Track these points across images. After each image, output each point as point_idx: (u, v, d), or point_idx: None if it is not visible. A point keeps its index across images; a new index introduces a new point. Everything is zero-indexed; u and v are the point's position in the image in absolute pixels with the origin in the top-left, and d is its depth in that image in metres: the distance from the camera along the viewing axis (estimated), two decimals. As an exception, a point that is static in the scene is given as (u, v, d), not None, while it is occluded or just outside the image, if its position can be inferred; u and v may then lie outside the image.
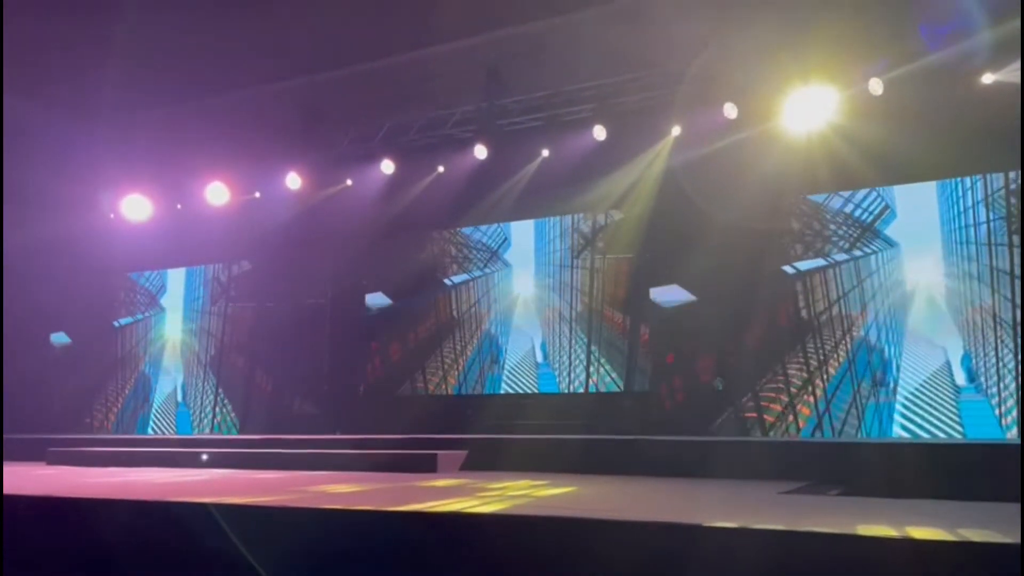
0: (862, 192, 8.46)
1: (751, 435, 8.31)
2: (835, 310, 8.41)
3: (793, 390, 8.37)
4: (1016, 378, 7.38)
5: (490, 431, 8.51)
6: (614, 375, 9.58)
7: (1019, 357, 7.47)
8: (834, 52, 7.68)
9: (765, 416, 8.42)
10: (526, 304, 10.30)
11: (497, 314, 10.45)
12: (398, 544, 3.78)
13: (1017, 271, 7.53)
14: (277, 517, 4.11)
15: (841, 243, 8.54)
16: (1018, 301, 7.50)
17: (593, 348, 9.70)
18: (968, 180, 7.94)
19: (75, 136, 10.35)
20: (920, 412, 7.89)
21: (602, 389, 9.58)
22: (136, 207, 11.48)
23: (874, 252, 8.37)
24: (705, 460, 6.71)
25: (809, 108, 8.01)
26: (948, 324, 7.91)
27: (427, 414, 9.69)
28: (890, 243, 8.29)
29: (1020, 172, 7.59)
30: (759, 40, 7.95)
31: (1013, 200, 7.68)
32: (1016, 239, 7.60)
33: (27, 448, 9.53)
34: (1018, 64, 7.04)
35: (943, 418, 7.77)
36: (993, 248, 7.79)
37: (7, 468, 7.64)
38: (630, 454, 7.16)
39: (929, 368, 7.93)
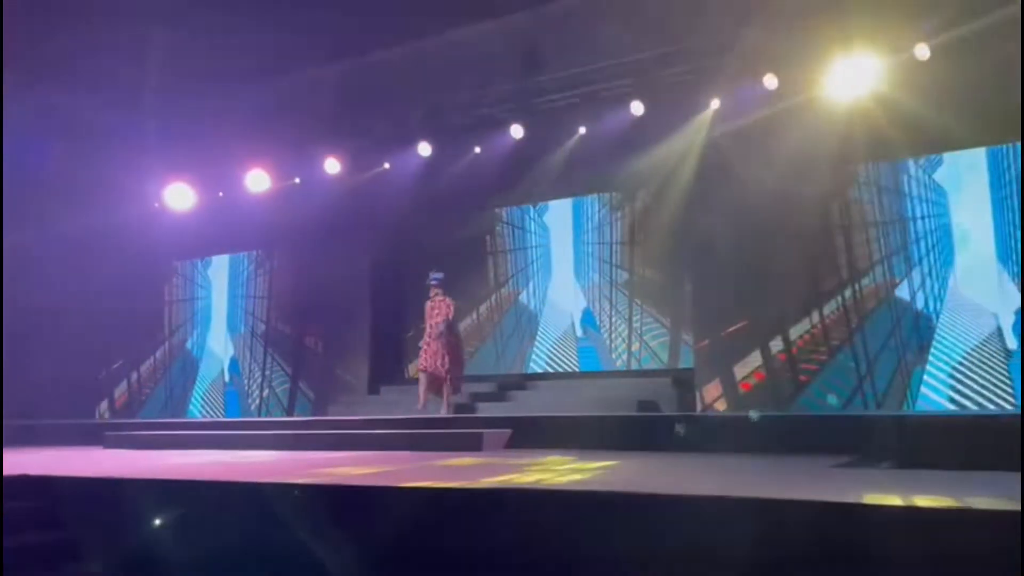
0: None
1: (791, 401, 8.29)
2: (879, 272, 8.30)
3: (833, 349, 8.30)
4: None
5: (534, 409, 8.59)
6: (656, 348, 9.59)
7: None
8: (878, 17, 7.51)
9: (801, 378, 8.38)
10: (565, 280, 10.33)
11: (536, 290, 10.49)
12: (450, 520, 3.84)
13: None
14: (342, 496, 4.20)
15: (887, 205, 8.41)
16: None
17: (635, 322, 9.73)
18: (1020, 145, 7.74)
19: (122, 128, 10.55)
20: (970, 378, 7.77)
21: (644, 365, 9.60)
22: (179, 196, 11.69)
23: (923, 217, 8.22)
24: (749, 435, 6.68)
25: (852, 76, 7.85)
26: (998, 289, 7.76)
27: (470, 392, 9.77)
28: (940, 213, 8.13)
29: (1020, 152, 7.43)
30: (799, 7, 7.79)
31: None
32: None
33: (81, 433, 9.83)
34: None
35: (995, 383, 7.64)
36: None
37: (70, 452, 7.90)
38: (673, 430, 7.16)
39: (979, 333, 7.80)
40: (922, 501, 3.43)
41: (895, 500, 3.45)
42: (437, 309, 8.94)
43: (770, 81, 8.28)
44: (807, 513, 3.26)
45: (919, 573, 2.93)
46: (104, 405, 13.17)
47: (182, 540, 4.10)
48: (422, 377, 8.85)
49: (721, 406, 8.61)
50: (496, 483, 4.30)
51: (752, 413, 7.08)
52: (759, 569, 3.14)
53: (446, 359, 8.76)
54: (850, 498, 3.53)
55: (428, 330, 8.94)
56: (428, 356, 8.81)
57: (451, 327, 8.95)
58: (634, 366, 9.71)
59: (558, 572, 3.50)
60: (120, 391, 13.22)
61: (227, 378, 12.49)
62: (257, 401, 12.06)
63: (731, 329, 8.71)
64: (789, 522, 3.27)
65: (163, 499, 4.49)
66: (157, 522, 4.21)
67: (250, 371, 12.25)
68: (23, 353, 11.37)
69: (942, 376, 7.87)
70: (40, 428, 10.26)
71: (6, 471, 5.02)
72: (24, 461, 6.20)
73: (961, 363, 7.82)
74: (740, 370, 8.64)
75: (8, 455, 6.77)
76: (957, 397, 7.77)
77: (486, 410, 8.95)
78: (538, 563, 3.50)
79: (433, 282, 9.03)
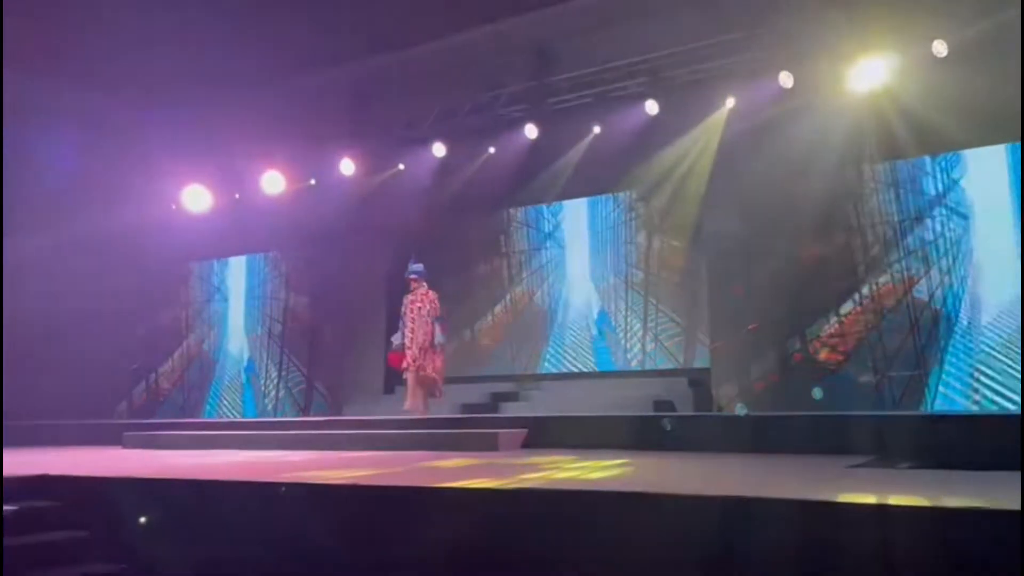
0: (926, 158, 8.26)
1: (808, 400, 8.24)
2: (896, 271, 8.24)
3: (850, 349, 8.24)
4: None
5: (550, 409, 8.59)
6: (672, 348, 9.56)
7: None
8: (895, 13, 7.45)
9: (817, 377, 8.33)
10: (580, 279, 10.32)
11: (551, 290, 10.48)
12: (474, 520, 3.84)
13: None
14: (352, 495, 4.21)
15: (904, 203, 8.35)
16: None
17: (650, 322, 9.70)
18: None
19: (139, 130, 10.65)
20: (989, 377, 7.69)
21: (660, 364, 9.57)
22: (196, 197, 11.78)
23: (942, 216, 8.16)
24: (764, 434, 6.64)
25: (869, 73, 7.80)
26: (1017, 287, 7.67)
27: (486, 392, 9.79)
28: (959, 211, 8.07)
29: (1020, 150, 7.34)
30: (815, 4, 7.75)
31: None
32: None
33: (100, 433, 9.90)
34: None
35: (1016, 382, 7.55)
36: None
37: (94, 452, 7.98)
38: (690, 430, 7.13)
39: (998, 332, 7.72)
40: (925, 501, 3.40)
41: (911, 501, 3.42)
42: (419, 303, 8.29)
43: (786, 79, 8.25)
44: (829, 514, 3.24)
45: (920, 573, 2.92)
46: (123, 406, 13.28)
47: (197, 539, 4.13)
48: (410, 382, 8.30)
49: (737, 406, 8.58)
50: (522, 482, 4.31)
51: (739, 409, 7.03)
52: (779, 569, 3.13)
53: (427, 356, 8.27)
54: (872, 499, 3.52)
55: (409, 325, 8.25)
56: (413, 355, 8.23)
57: (437, 324, 8.34)
58: (649, 366, 9.68)
59: (569, 572, 3.51)
60: (138, 392, 13.34)
61: (244, 378, 12.57)
62: (273, 401, 12.13)
63: (747, 329, 8.67)
64: (813, 524, 3.25)
65: (178, 498, 4.53)
66: (172, 521, 4.25)
67: (266, 371, 12.32)
68: (42, 354, 11.47)
69: (961, 375, 7.80)
70: (59, 428, 10.35)
71: (27, 471, 5.08)
72: (44, 461, 6.26)
73: (980, 362, 7.75)
74: (756, 370, 8.60)
75: (27, 455, 6.86)
76: (976, 397, 7.69)
77: (501, 410, 8.96)
78: (550, 563, 3.50)
79: (412, 275, 8.38)
